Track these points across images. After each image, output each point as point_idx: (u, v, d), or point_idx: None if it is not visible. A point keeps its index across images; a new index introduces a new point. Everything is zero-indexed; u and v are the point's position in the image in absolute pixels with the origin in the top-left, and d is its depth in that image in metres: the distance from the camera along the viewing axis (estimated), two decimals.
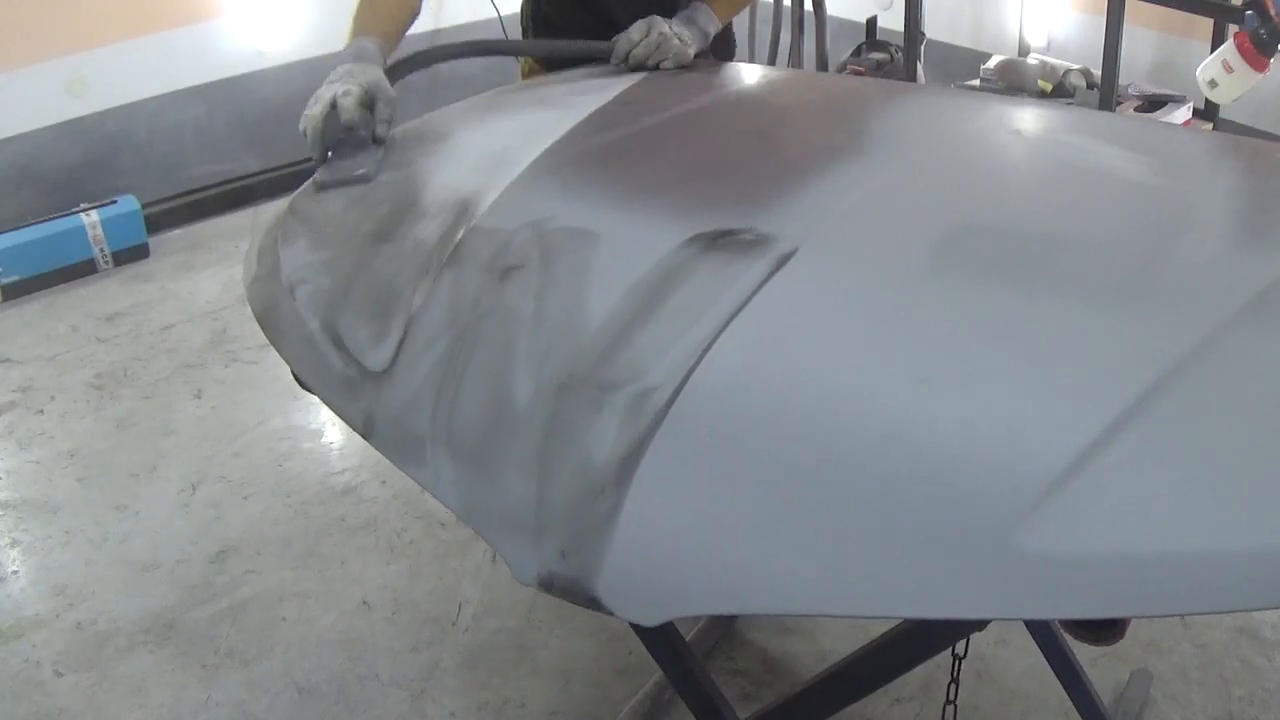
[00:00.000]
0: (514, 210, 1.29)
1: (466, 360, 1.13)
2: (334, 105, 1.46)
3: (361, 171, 1.45)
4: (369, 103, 1.49)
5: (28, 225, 3.63)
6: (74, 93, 3.73)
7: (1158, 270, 1.08)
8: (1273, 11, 2.67)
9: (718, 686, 1.42)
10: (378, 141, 1.50)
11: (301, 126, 1.48)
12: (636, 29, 1.75)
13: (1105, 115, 2.61)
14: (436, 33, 4.33)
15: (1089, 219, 1.18)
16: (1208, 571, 0.81)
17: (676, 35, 1.76)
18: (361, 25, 1.63)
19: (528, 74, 2.06)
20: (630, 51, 1.75)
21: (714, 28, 1.85)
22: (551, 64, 1.95)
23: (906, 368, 0.98)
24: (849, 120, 1.56)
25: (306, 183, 1.54)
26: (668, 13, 1.81)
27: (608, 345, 1.06)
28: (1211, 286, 1.04)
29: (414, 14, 1.74)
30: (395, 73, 1.61)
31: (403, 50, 1.68)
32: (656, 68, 1.76)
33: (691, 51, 1.78)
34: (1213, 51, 3.01)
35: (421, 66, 1.67)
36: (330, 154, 1.49)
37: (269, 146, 4.14)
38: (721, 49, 2.03)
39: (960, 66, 4.04)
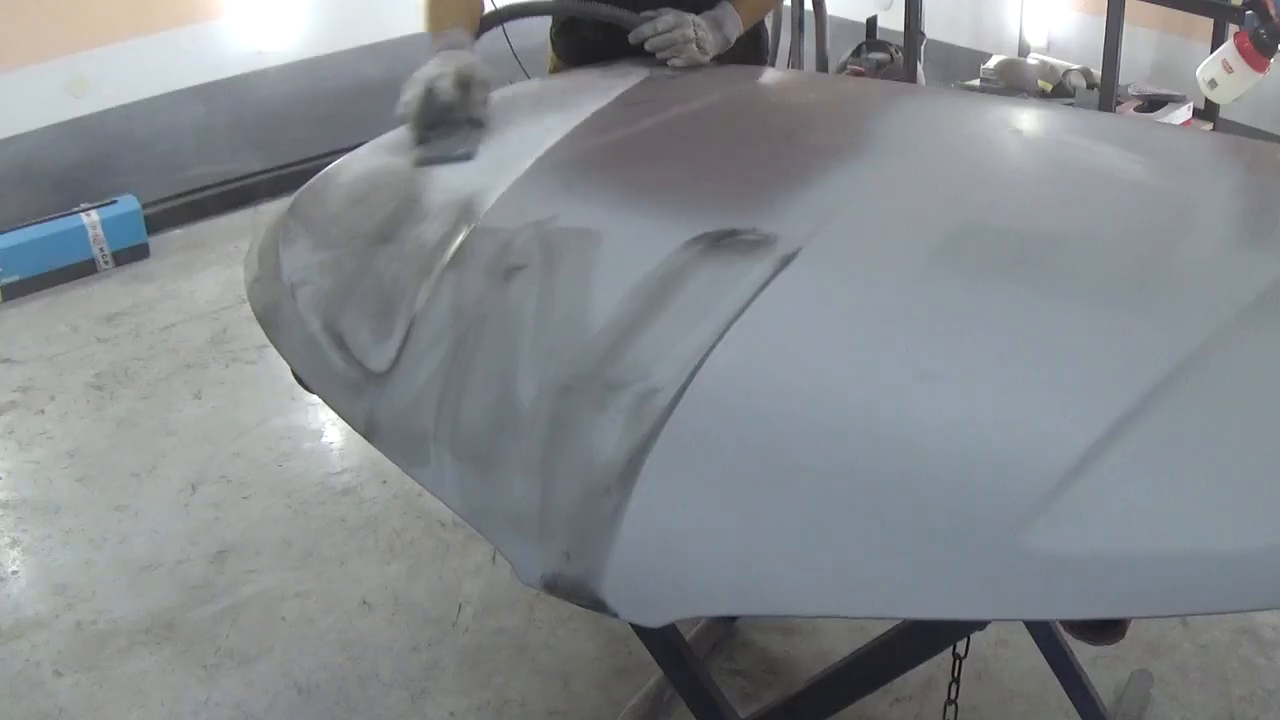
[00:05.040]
0: (516, 210, 1.29)
1: (469, 361, 1.13)
2: (430, 89, 1.50)
3: (462, 150, 1.48)
4: (465, 85, 1.53)
5: (28, 225, 3.63)
6: (74, 93, 3.72)
7: (1159, 271, 1.08)
8: (1273, 11, 2.68)
9: (718, 687, 1.42)
10: (474, 123, 1.53)
11: (398, 111, 1.52)
12: (664, 20, 1.76)
13: (1106, 116, 2.62)
14: None
15: (1091, 220, 1.18)
16: (1208, 571, 0.81)
17: (698, 40, 1.76)
18: (439, 19, 1.70)
19: (552, 72, 2.06)
20: (650, 37, 1.76)
21: (738, 33, 1.84)
22: (575, 64, 1.94)
23: (909, 368, 0.98)
24: (850, 121, 1.56)
25: (310, 181, 1.54)
26: (696, 7, 1.81)
27: (611, 345, 1.07)
28: (1213, 287, 1.04)
29: (477, 15, 1.79)
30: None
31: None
32: (665, 61, 1.76)
33: (707, 58, 1.78)
34: (1213, 51, 3.01)
35: (493, 27, 1.77)
36: (428, 135, 1.52)
37: (269, 146, 4.14)
38: (752, 50, 2.03)
39: (960, 66, 4.05)
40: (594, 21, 1.84)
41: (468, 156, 1.47)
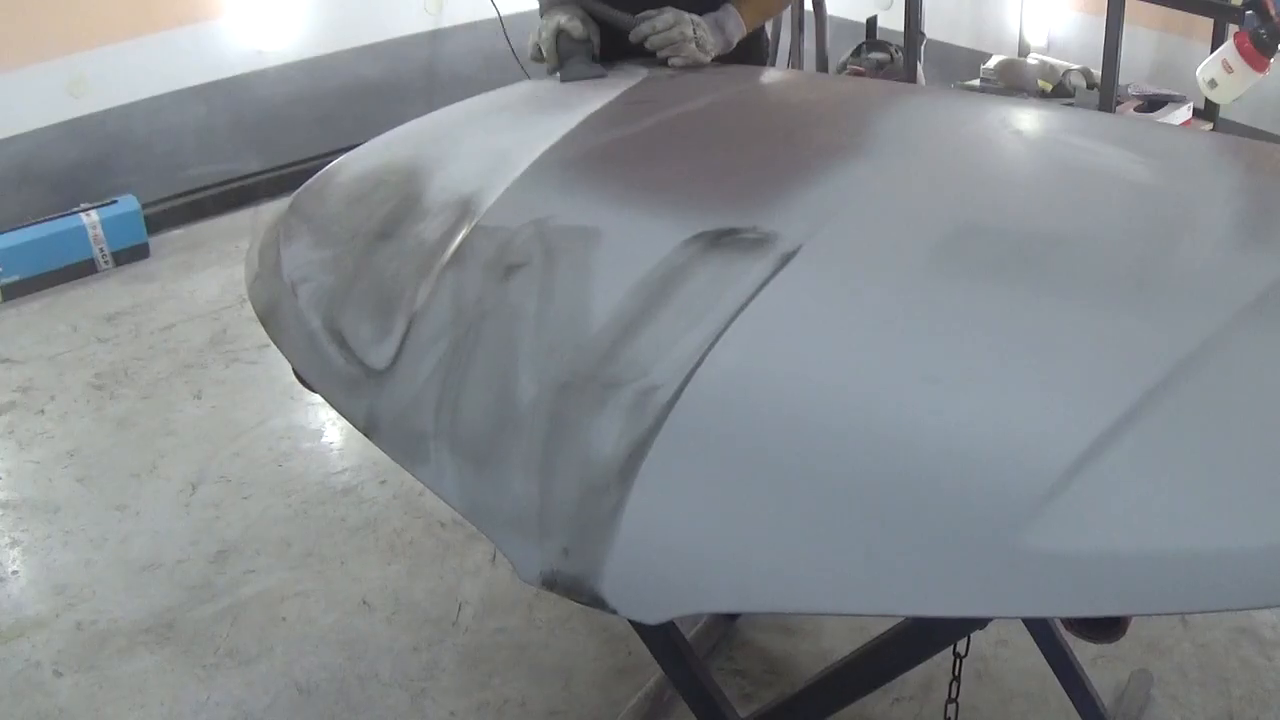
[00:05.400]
0: (517, 208, 1.29)
1: (469, 358, 1.13)
2: (563, 28, 1.79)
3: (597, 71, 1.78)
4: (589, 27, 1.82)
5: (28, 225, 3.63)
6: (74, 93, 3.73)
7: (1159, 271, 1.08)
8: (1273, 11, 2.68)
9: (718, 686, 1.42)
10: (594, 59, 1.82)
11: (530, 52, 1.84)
12: (664, 19, 1.77)
13: (1106, 116, 2.61)
14: (437, 32, 4.34)
15: (1091, 220, 1.18)
16: (1208, 570, 0.81)
17: (697, 40, 1.77)
18: None
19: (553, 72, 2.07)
20: (649, 36, 1.78)
21: (739, 35, 1.85)
22: None
23: (909, 367, 0.98)
24: (851, 121, 1.56)
25: (310, 180, 1.54)
26: (701, 8, 1.82)
27: (611, 343, 1.07)
28: (1213, 287, 1.04)
29: None
30: None
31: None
32: (664, 61, 1.77)
33: (707, 58, 1.79)
34: (1213, 51, 3.01)
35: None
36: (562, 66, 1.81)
37: (269, 146, 4.14)
38: (753, 51, 2.03)
39: (960, 66, 4.05)
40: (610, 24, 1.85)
41: (604, 74, 1.78)
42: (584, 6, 1.82)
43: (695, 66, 1.77)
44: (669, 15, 1.77)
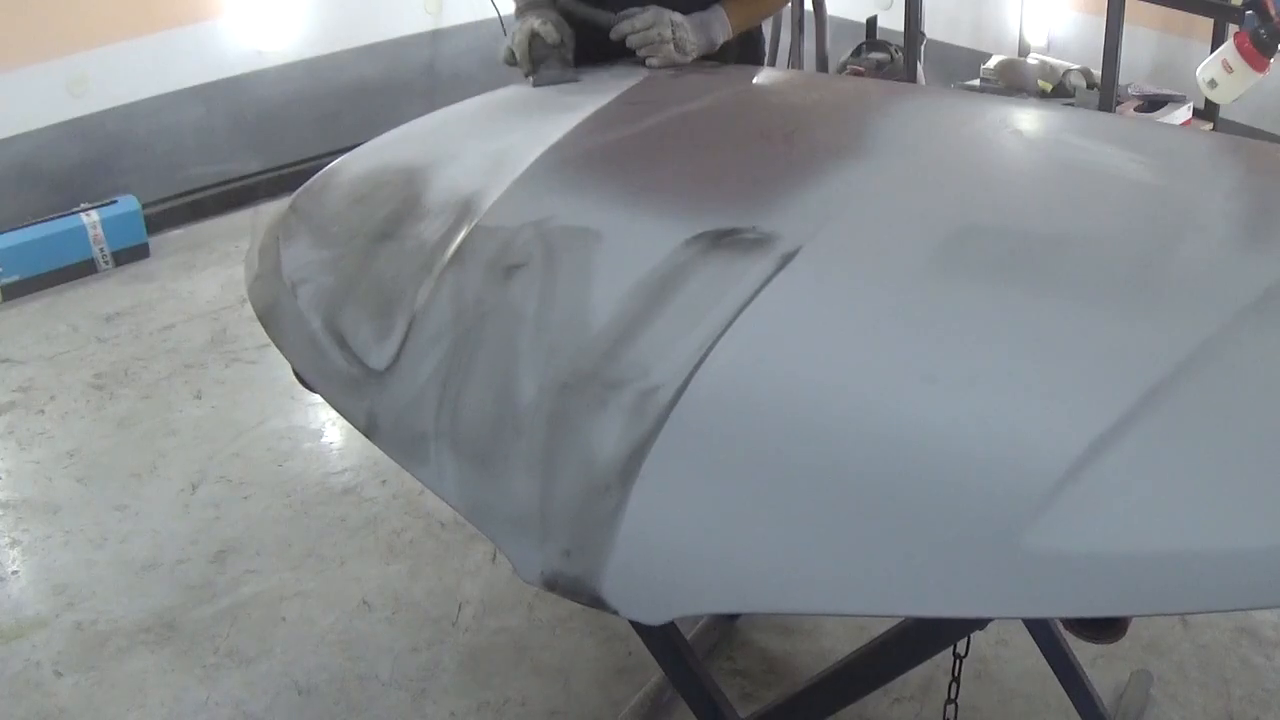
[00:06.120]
0: (517, 209, 1.29)
1: (470, 359, 1.13)
2: (536, 32, 1.77)
3: (571, 75, 1.78)
4: (561, 30, 1.79)
5: (28, 225, 3.63)
6: (74, 93, 3.73)
7: (1160, 271, 1.08)
8: (1273, 11, 2.67)
9: (718, 686, 1.42)
10: (567, 63, 1.80)
11: (502, 55, 1.82)
12: (643, 18, 1.77)
13: (1106, 116, 2.62)
14: (437, 33, 4.34)
15: (1092, 220, 1.18)
16: (1208, 571, 0.81)
17: (676, 40, 1.77)
18: None
19: None
20: (628, 34, 1.78)
21: (724, 36, 1.84)
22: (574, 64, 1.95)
23: (909, 367, 0.98)
24: (851, 121, 1.56)
25: (310, 180, 1.54)
26: (684, 8, 1.81)
27: (611, 344, 1.07)
28: (1214, 287, 1.04)
29: None
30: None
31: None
32: (643, 60, 1.77)
33: (687, 59, 1.79)
34: (1213, 51, 3.01)
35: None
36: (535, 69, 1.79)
37: (269, 146, 4.14)
38: (749, 51, 2.03)
39: (960, 66, 4.04)
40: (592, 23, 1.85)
41: (576, 79, 1.76)
42: (564, 8, 1.81)
43: (697, 66, 1.77)
44: (648, 15, 1.77)
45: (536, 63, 1.79)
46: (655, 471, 0.97)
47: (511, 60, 1.81)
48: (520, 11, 1.86)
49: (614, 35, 1.80)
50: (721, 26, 1.84)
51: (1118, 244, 1.12)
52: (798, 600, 0.94)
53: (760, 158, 1.40)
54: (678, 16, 1.78)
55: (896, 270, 1.11)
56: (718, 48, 1.85)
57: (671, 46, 1.76)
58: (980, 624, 1.29)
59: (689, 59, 1.79)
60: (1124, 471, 0.86)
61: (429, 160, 1.52)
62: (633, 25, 1.77)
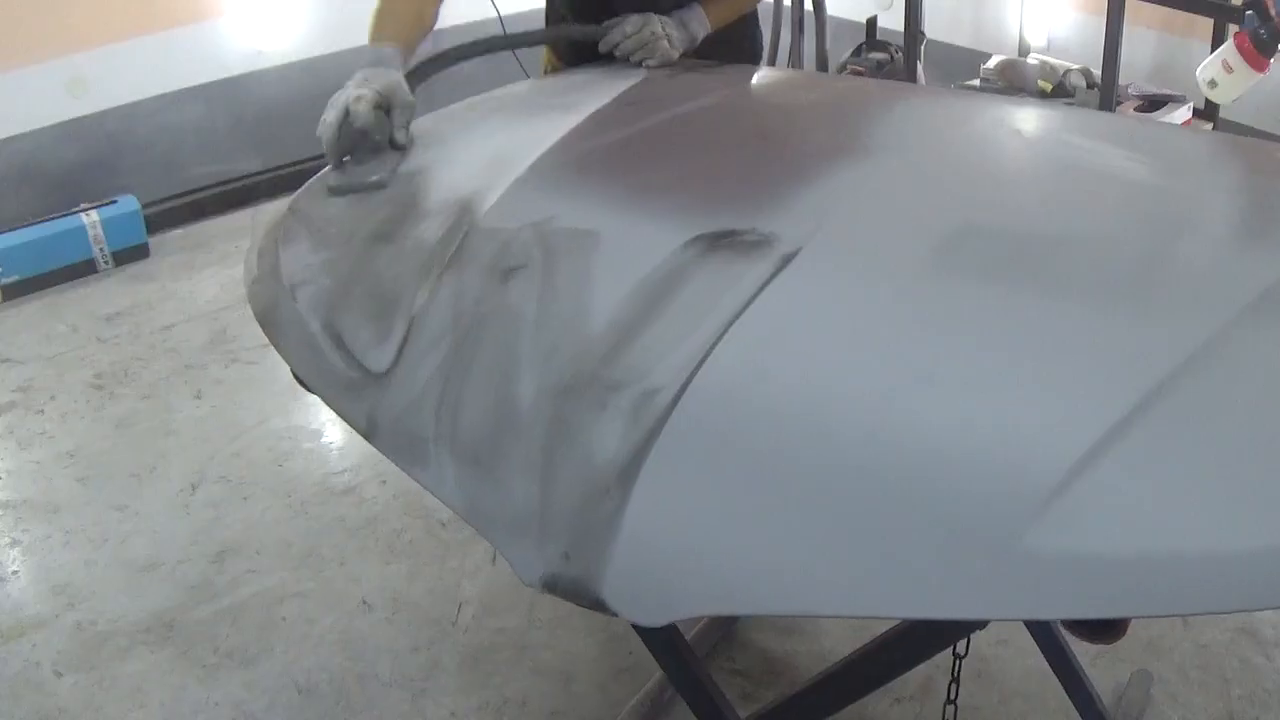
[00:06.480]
0: (516, 210, 1.29)
1: (469, 361, 1.13)
2: (347, 111, 1.44)
3: (376, 178, 1.43)
4: (385, 107, 1.48)
5: (28, 225, 3.63)
6: (74, 93, 3.73)
7: (1160, 271, 1.08)
8: (1273, 11, 2.67)
9: (718, 686, 1.42)
10: (395, 146, 1.49)
11: (318, 132, 1.46)
12: (631, 22, 1.79)
13: (1106, 116, 2.61)
14: (438, 32, 4.34)
15: (1092, 220, 1.18)
16: (1208, 571, 0.81)
17: (666, 36, 1.78)
18: (379, 33, 1.62)
19: (549, 72, 2.07)
20: (620, 42, 1.78)
21: (703, 32, 1.87)
22: (572, 63, 1.95)
23: (910, 368, 0.98)
24: (850, 121, 1.56)
25: (309, 182, 1.54)
26: (664, 10, 1.83)
27: (611, 346, 1.06)
28: (1214, 287, 1.04)
29: (427, 29, 1.72)
30: (415, 77, 1.60)
31: (415, 59, 1.67)
32: (640, 63, 1.78)
33: (677, 54, 1.81)
34: (1213, 51, 3.01)
35: (439, 69, 1.65)
36: (347, 159, 1.48)
37: (269, 146, 4.14)
38: (746, 50, 2.04)
39: (960, 66, 4.04)
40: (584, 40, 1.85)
41: (381, 185, 1.41)
42: (546, 34, 1.80)
43: (697, 66, 1.77)
44: (636, 19, 1.78)
45: (343, 152, 1.47)
46: (655, 473, 0.97)
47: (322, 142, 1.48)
48: (364, 66, 1.52)
49: (603, 47, 1.80)
50: (700, 22, 1.86)
51: (1118, 244, 1.12)
52: (798, 602, 0.94)
53: (760, 158, 1.40)
54: (662, 16, 1.80)
55: (897, 271, 1.11)
56: (699, 43, 1.86)
57: (666, 43, 1.78)
58: (980, 624, 1.29)
59: (677, 54, 1.80)
60: (1124, 472, 0.86)
61: (428, 161, 1.52)
62: (623, 31, 1.78)
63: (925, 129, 1.48)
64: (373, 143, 1.46)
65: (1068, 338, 0.99)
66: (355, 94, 1.45)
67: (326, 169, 1.50)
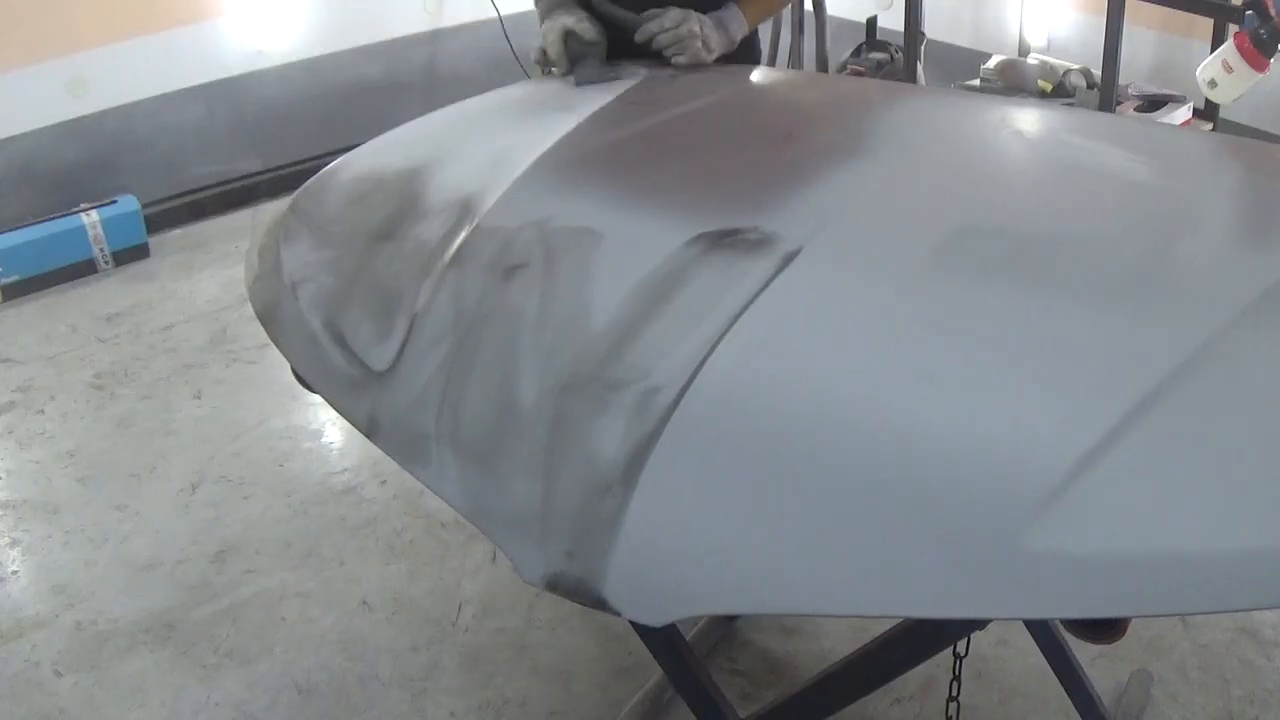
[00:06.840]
0: (517, 209, 1.29)
1: (471, 360, 1.13)
2: (572, 30, 1.74)
3: (612, 74, 1.73)
4: (597, 28, 1.76)
5: (28, 225, 3.63)
6: (74, 93, 3.73)
7: (1160, 271, 1.08)
8: (1273, 11, 2.67)
9: (718, 686, 1.42)
10: (603, 60, 1.77)
11: (535, 56, 1.79)
12: (671, 17, 1.76)
13: (1106, 116, 2.61)
14: (437, 32, 4.34)
15: (1092, 220, 1.18)
16: (1208, 571, 0.81)
17: (704, 38, 1.77)
18: None
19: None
20: (656, 34, 1.77)
21: (741, 34, 1.85)
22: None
23: (911, 368, 0.98)
24: (851, 121, 1.56)
25: (310, 180, 1.54)
26: (703, 7, 1.81)
27: (612, 345, 1.07)
28: (1214, 287, 1.04)
29: None
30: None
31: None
32: (669, 60, 1.77)
33: (711, 57, 1.79)
34: (1213, 51, 3.01)
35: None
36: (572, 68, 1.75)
37: (269, 146, 4.14)
38: (746, 54, 2.03)
39: (960, 66, 4.04)
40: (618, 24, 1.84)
41: (617, 76, 1.73)
42: (589, 6, 1.81)
43: (697, 66, 1.77)
44: (676, 13, 1.76)
45: (573, 61, 1.76)
46: (657, 473, 0.97)
47: (543, 60, 1.78)
48: (547, 11, 1.82)
49: (640, 37, 1.78)
50: (739, 24, 1.84)
51: (1118, 244, 1.12)
52: (799, 601, 0.94)
53: (761, 158, 1.40)
54: (701, 15, 1.78)
55: (898, 271, 1.11)
56: (736, 45, 1.85)
57: (700, 43, 1.76)
58: (980, 624, 1.29)
59: (712, 57, 1.79)
60: (1124, 472, 0.86)
61: (429, 160, 1.52)
62: (661, 24, 1.76)
63: (926, 129, 1.48)
64: (595, 53, 1.76)
65: (1068, 338, 0.99)
66: (570, 18, 1.74)
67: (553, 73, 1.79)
